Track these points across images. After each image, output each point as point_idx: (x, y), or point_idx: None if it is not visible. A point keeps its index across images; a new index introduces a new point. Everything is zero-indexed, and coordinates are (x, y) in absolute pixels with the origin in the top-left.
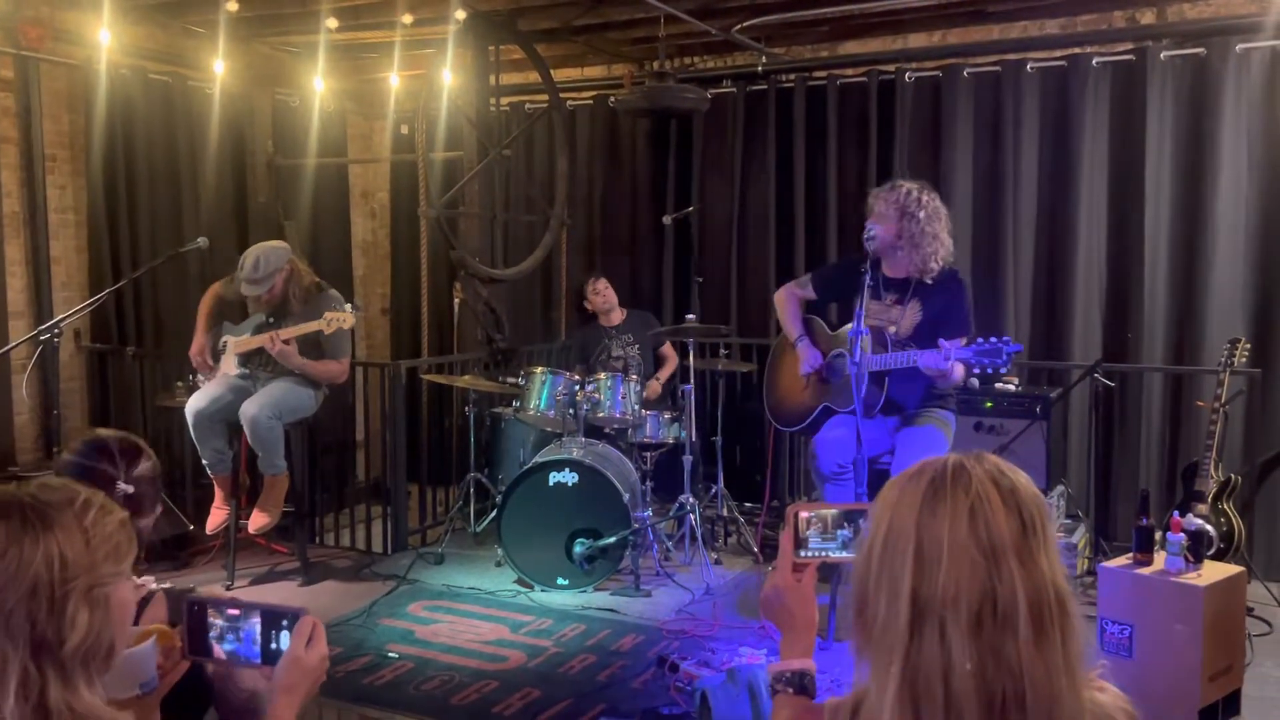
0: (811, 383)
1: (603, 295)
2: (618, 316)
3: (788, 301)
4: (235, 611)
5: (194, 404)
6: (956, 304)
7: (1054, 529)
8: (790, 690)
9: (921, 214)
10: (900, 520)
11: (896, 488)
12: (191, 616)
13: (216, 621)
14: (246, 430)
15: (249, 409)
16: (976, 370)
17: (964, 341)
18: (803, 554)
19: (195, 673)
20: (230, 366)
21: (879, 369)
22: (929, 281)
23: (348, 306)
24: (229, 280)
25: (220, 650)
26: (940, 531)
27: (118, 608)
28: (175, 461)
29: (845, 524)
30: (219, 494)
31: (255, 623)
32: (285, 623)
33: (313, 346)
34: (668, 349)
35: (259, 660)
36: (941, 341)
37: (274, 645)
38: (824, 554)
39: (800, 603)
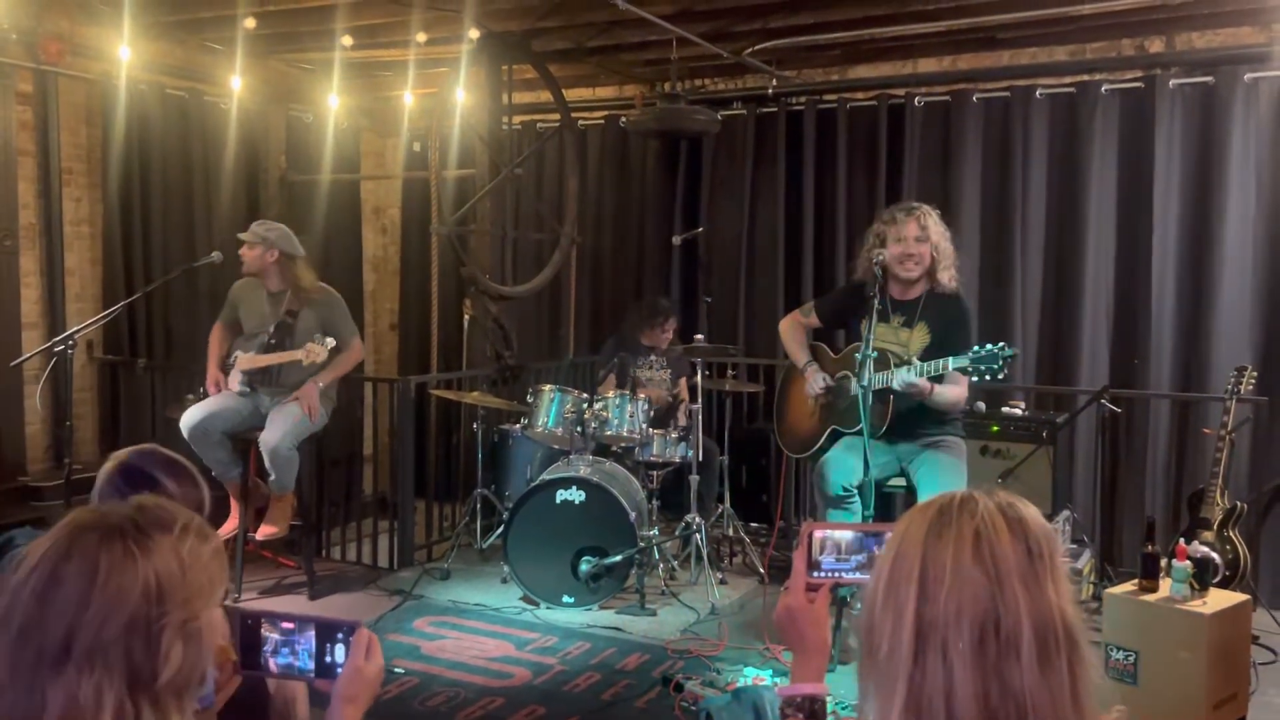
0: (818, 407)
1: (667, 334)
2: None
3: (792, 330)
4: (290, 625)
5: (189, 418)
6: (962, 326)
7: (1063, 562)
8: (801, 715)
9: (947, 233)
10: (907, 547)
11: (906, 518)
12: (245, 631)
13: (271, 635)
14: (266, 459)
15: (270, 439)
16: (974, 378)
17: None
18: (816, 575)
19: (251, 684)
20: (234, 383)
21: (880, 387)
22: (939, 295)
23: (328, 341)
24: (227, 315)
25: (274, 664)
26: (944, 555)
27: (209, 634)
28: None
29: (860, 545)
30: (234, 503)
31: (310, 636)
32: (340, 635)
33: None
34: (683, 386)
35: (313, 674)
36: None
37: (328, 658)
38: (838, 575)
39: (812, 625)
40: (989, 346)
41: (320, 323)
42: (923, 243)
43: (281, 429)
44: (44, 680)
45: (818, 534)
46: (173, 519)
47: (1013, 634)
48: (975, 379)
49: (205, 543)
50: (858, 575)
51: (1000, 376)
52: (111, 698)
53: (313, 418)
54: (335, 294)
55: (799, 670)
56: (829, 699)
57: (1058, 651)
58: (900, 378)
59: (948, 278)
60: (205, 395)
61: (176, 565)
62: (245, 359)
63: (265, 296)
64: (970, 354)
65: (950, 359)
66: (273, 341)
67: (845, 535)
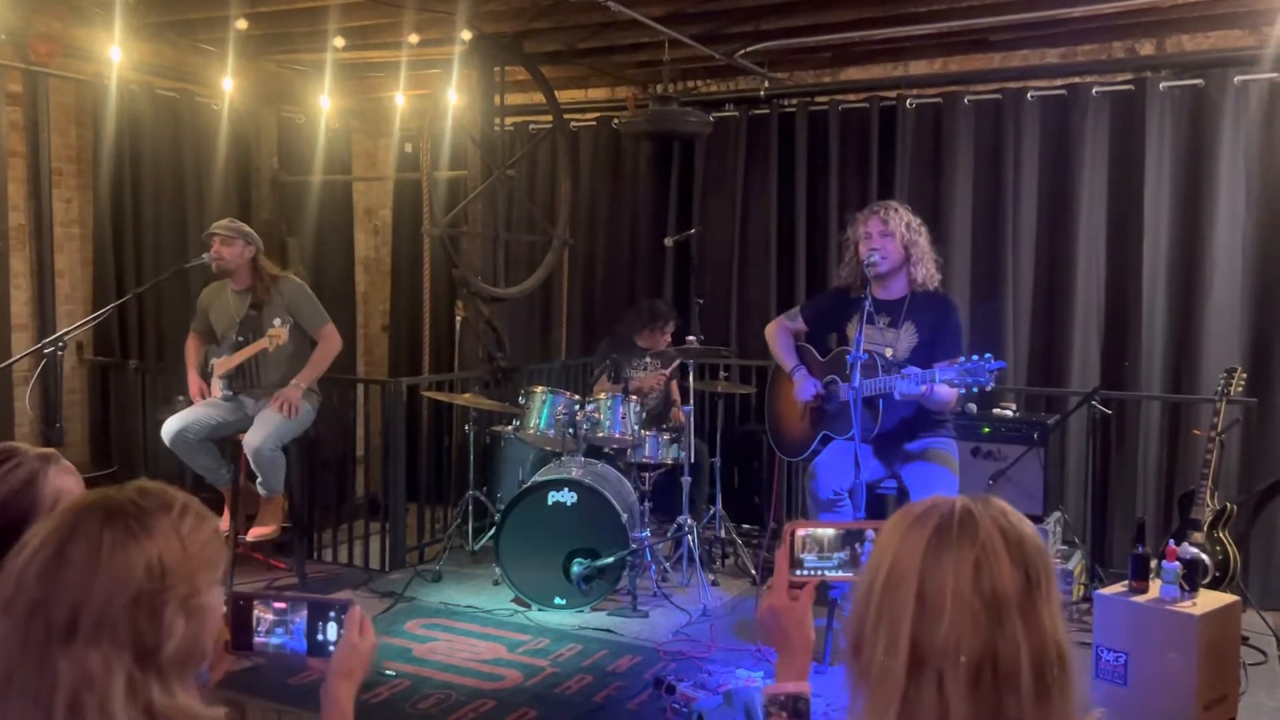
0: (809, 411)
1: (666, 337)
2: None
3: (779, 334)
4: (282, 605)
5: (167, 429)
6: (949, 325)
7: (1056, 580)
8: (785, 714)
9: (922, 229)
10: (903, 563)
11: (900, 529)
12: (237, 612)
13: (265, 616)
14: (250, 460)
15: (253, 440)
16: (961, 390)
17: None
18: (798, 573)
19: None
20: (216, 390)
21: (870, 394)
22: (924, 295)
23: (278, 322)
24: (199, 324)
25: (265, 644)
26: (944, 581)
27: (210, 614)
28: (175, 474)
29: (842, 544)
30: (227, 508)
31: (303, 616)
32: (332, 614)
33: (295, 334)
34: (674, 388)
35: (305, 652)
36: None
37: (320, 636)
38: (820, 573)
39: (796, 624)
40: (975, 359)
41: (288, 311)
42: (886, 236)
43: (264, 431)
44: (54, 655)
45: (799, 532)
46: (172, 500)
47: (1011, 668)
48: (962, 391)
49: (204, 522)
50: (840, 573)
51: (988, 389)
52: (121, 669)
53: (293, 413)
54: (299, 281)
55: (783, 669)
56: (820, 699)
57: (1053, 679)
58: (900, 390)
59: (923, 274)
60: (190, 403)
61: (177, 544)
62: (219, 363)
63: (231, 297)
64: (957, 367)
65: (937, 372)
66: (240, 339)
67: (827, 533)
